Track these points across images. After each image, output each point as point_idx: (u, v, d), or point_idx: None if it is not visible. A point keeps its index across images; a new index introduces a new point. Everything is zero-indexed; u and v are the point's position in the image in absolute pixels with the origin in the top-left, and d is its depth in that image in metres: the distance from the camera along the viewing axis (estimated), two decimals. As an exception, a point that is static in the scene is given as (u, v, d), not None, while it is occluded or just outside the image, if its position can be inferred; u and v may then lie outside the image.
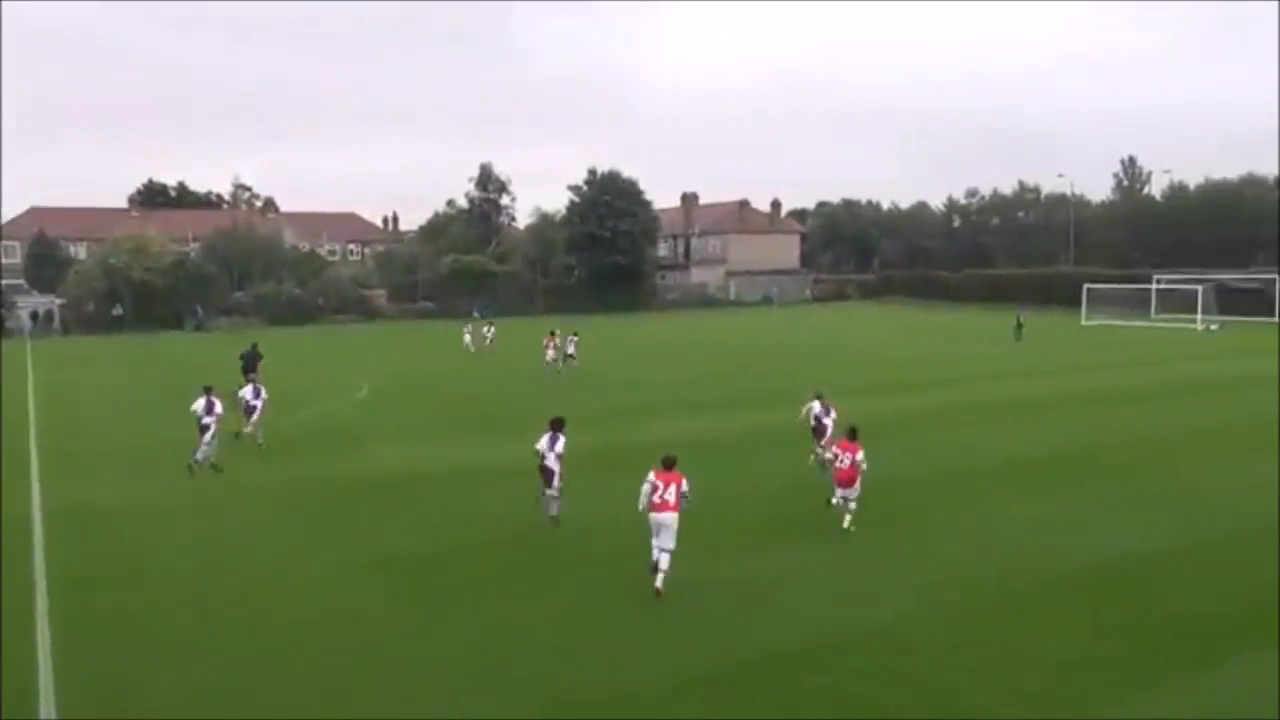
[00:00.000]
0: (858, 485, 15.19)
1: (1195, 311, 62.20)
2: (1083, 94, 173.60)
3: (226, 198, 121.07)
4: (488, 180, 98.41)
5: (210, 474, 19.91)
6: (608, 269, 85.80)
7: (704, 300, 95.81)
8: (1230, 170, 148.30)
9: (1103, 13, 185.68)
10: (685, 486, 12.68)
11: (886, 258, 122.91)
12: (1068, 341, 51.44)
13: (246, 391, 22.46)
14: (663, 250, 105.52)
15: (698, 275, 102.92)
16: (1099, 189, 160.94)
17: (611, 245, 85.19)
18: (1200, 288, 63.56)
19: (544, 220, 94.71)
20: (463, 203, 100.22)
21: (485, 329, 48.53)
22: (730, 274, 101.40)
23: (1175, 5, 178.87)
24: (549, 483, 15.43)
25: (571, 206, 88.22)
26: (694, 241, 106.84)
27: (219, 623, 11.94)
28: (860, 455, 15.24)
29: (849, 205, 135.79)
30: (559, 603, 12.47)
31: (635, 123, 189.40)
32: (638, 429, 23.87)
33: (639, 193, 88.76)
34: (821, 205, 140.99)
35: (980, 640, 11.18)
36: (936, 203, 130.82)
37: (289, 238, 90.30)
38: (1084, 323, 64.42)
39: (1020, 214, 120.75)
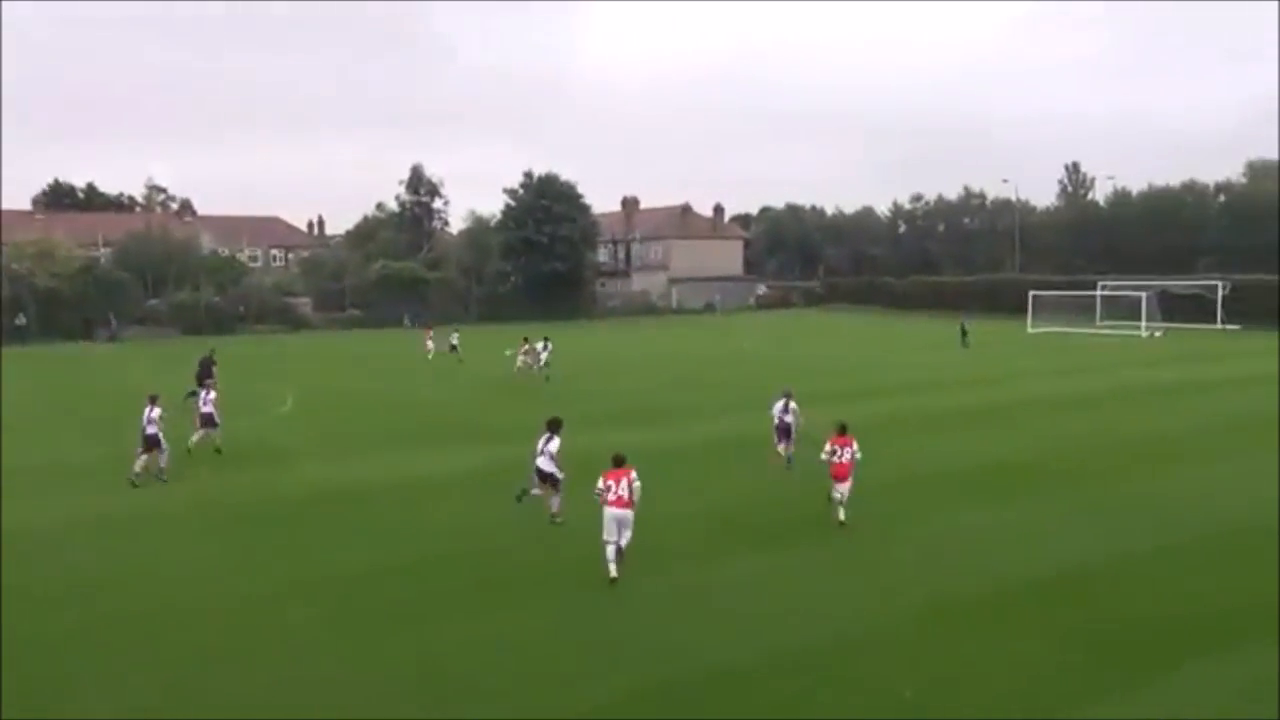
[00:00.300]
0: (850, 480, 16.47)
1: (1139, 318, 64.17)
2: (1028, 98, 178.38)
3: (139, 200, 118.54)
4: (419, 183, 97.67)
5: (134, 491, 19.72)
6: (545, 276, 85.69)
7: (646, 308, 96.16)
8: (1172, 176, 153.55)
9: (1042, 15, 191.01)
10: (634, 477, 13.87)
11: (831, 264, 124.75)
12: (1015, 349, 52.71)
13: (201, 398, 23.74)
14: (603, 256, 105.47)
15: (639, 282, 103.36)
16: (1044, 194, 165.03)
17: (549, 251, 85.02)
18: (1144, 294, 65.56)
19: (478, 225, 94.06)
20: (393, 206, 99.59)
21: (452, 335, 50.29)
22: (672, 281, 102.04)
23: (1109, 5, 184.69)
24: (543, 481, 16.38)
25: (507, 210, 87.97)
26: (635, 247, 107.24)
27: (152, 645, 11.79)
28: (855, 448, 16.48)
29: (793, 210, 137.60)
30: (515, 616, 12.56)
31: (573, 125, 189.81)
32: (592, 438, 23.99)
33: (577, 196, 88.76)
34: (765, 210, 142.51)
35: (936, 649, 11.45)
36: (882, 208, 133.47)
37: (207, 242, 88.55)
38: (1030, 330, 65.99)
39: (966, 220, 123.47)
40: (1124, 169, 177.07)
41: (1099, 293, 70.56)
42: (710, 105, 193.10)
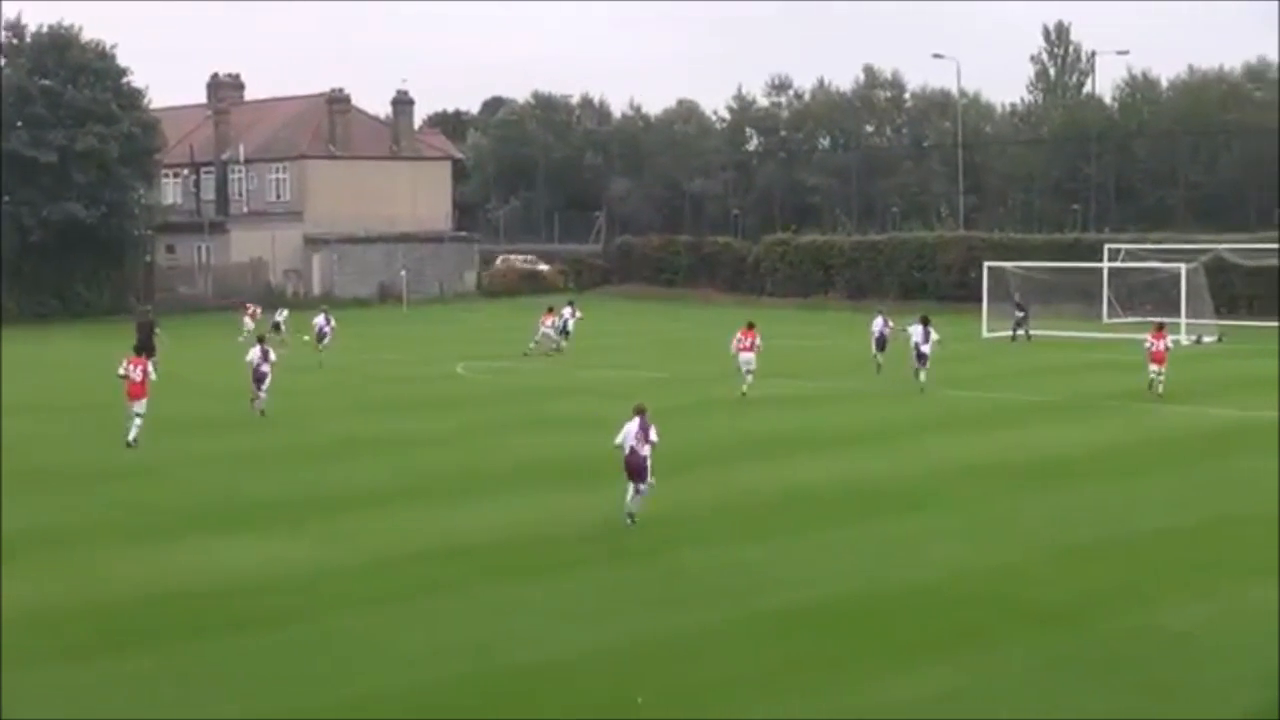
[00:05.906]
0: (1165, 364, 42.78)
1: (1177, 310, 66.39)
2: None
3: None
4: None
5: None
6: (52, 232, 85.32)
7: (260, 294, 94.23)
8: (1227, 55, 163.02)
9: None
10: (760, 342, 45.89)
11: (623, 212, 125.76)
12: (962, 366, 53.79)
13: (255, 354, 40.97)
14: (172, 194, 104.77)
15: (243, 245, 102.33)
16: (1007, 84, 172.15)
17: (59, 181, 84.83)
18: (1184, 266, 68.20)
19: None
20: None
21: (322, 318, 62.80)
22: (312, 242, 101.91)
23: None
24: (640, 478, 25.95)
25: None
26: (237, 175, 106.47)
27: None
28: (1168, 340, 42.95)
29: (546, 107, 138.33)
30: None
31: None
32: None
33: (119, 72, 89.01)
34: (494, 106, 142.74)
35: None
36: (715, 104, 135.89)
37: None
38: (986, 333, 67.76)
39: (869, 129, 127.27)
40: (1145, 41, 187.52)
41: (1106, 264, 73.50)
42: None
